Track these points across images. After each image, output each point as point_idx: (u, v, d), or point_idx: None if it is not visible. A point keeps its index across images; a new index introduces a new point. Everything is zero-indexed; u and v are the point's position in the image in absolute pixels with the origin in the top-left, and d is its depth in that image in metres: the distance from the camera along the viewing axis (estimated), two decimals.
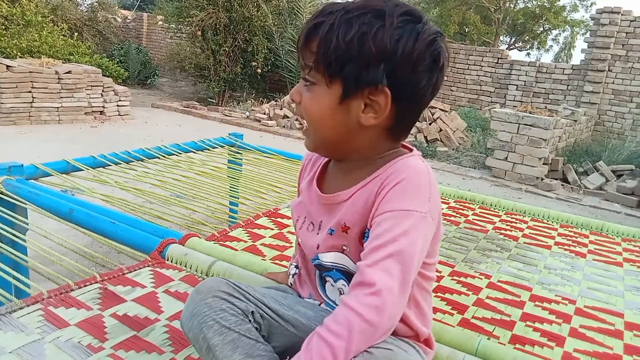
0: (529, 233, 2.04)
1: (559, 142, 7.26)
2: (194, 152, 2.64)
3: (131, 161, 2.32)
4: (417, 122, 6.88)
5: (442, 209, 2.21)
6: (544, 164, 6.52)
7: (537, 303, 1.41)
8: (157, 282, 1.25)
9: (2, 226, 1.56)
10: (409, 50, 0.76)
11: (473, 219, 2.16)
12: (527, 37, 19.35)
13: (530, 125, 6.41)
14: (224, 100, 10.29)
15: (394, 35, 0.75)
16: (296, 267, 1.04)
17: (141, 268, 1.32)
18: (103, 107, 7.47)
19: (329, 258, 0.87)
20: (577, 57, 26.69)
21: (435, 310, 1.28)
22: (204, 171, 2.44)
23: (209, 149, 2.73)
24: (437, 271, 1.52)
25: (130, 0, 20.41)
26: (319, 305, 0.94)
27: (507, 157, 6.59)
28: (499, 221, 2.17)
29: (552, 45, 21.18)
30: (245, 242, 1.63)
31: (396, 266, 0.72)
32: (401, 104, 0.79)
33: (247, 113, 9.13)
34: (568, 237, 2.04)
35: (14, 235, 1.53)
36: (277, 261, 1.49)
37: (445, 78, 1.00)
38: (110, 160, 2.25)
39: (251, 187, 2.33)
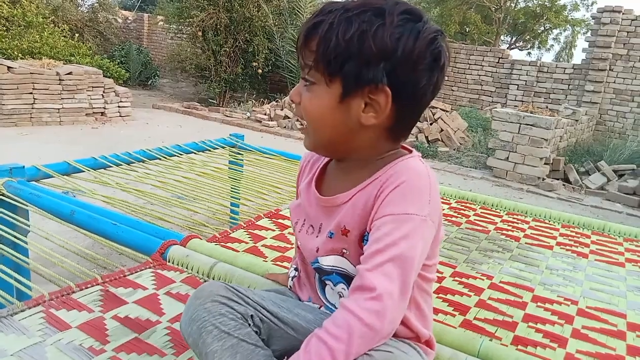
0: (531, 233, 2.04)
1: (560, 141, 7.26)
2: (195, 153, 2.64)
3: (132, 162, 2.31)
4: (418, 123, 6.87)
5: (443, 209, 2.21)
6: (545, 164, 6.51)
7: (539, 304, 1.40)
8: (159, 283, 1.25)
9: (3, 228, 1.56)
10: (410, 48, 0.75)
11: (474, 220, 2.15)
12: (528, 37, 19.33)
13: (531, 125, 6.41)
14: (224, 101, 10.30)
15: (394, 33, 0.74)
16: (296, 269, 1.03)
17: (142, 270, 1.31)
18: (104, 108, 7.48)
19: (328, 261, 0.87)
20: (578, 57, 26.64)
21: (437, 311, 1.28)
22: (205, 172, 2.44)
23: (210, 150, 2.73)
24: (439, 272, 1.52)
25: (130, 0, 20.44)
26: (319, 308, 0.94)
27: (508, 157, 6.59)
28: (501, 221, 2.16)
29: (553, 45, 21.17)
30: (247, 243, 1.63)
31: (396, 270, 0.72)
32: (401, 103, 0.78)
33: (248, 114, 9.14)
34: (570, 238, 2.04)
35: (15, 237, 1.53)
36: (278, 262, 1.49)
37: (446, 78, 0.99)
38: (111, 161, 2.25)
39: (252, 188, 2.32)
